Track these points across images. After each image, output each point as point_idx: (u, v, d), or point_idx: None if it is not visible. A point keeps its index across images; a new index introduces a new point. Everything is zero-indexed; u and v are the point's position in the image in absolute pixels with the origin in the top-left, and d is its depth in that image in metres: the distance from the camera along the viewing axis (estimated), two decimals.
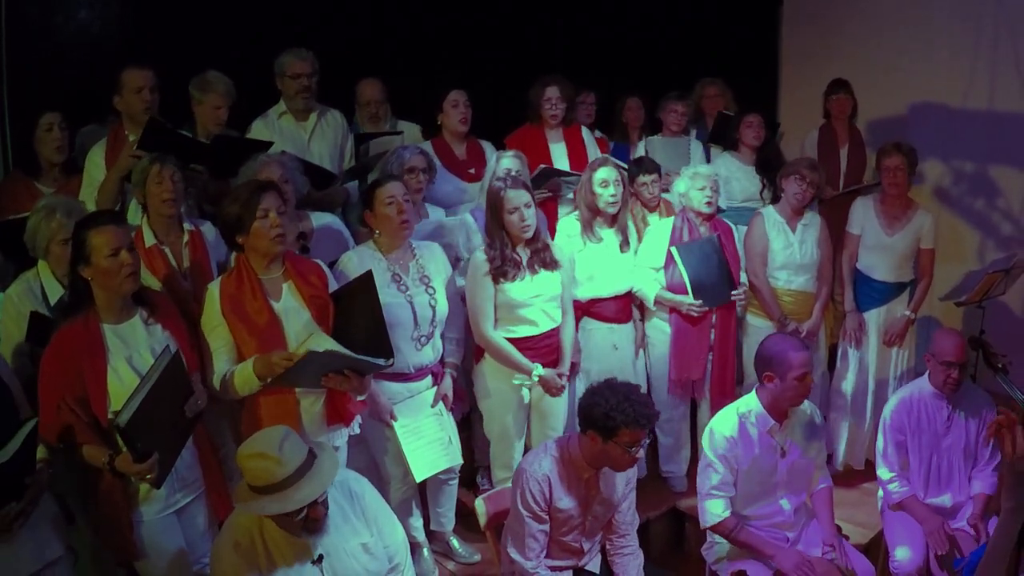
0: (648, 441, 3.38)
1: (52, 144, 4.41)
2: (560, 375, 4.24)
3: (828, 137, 5.98)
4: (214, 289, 3.50)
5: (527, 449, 4.37)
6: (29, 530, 3.06)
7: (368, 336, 3.56)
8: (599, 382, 3.41)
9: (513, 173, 4.46)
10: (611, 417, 3.22)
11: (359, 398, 3.72)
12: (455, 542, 4.57)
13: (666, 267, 4.79)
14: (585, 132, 5.54)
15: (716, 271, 4.72)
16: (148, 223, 3.83)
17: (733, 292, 4.76)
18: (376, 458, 4.17)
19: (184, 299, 3.72)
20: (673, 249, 4.70)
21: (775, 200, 5.22)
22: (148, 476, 3.06)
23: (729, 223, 5.05)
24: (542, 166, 5.02)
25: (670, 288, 4.78)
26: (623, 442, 3.23)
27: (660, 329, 4.92)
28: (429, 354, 4.10)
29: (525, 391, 4.25)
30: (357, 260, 3.97)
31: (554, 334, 4.27)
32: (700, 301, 4.70)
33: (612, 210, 4.63)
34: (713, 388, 4.87)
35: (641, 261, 4.83)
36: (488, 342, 4.18)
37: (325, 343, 3.35)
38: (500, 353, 4.18)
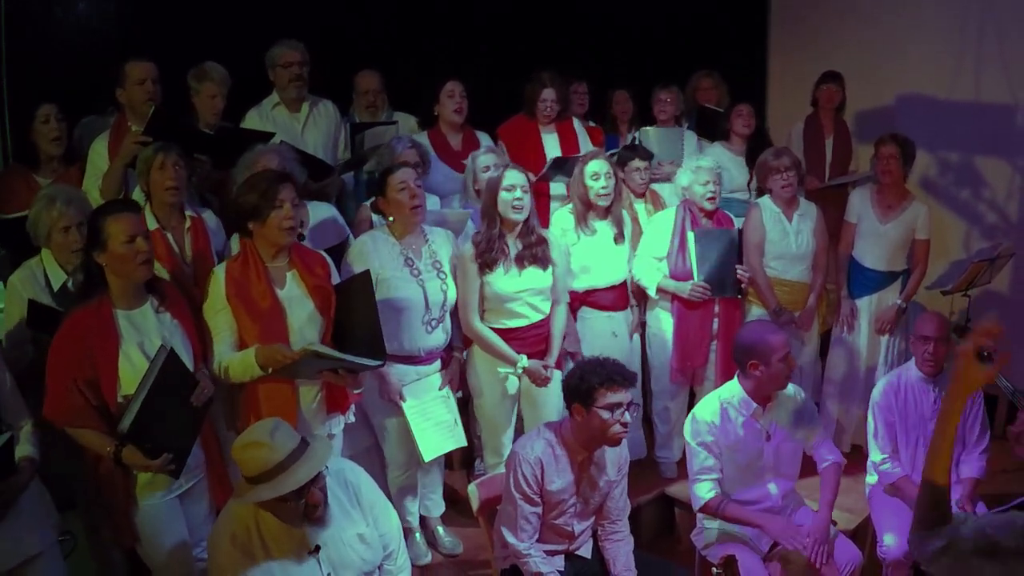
0: (636, 409, 3.42)
1: (49, 135, 4.42)
2: (546, 366, 4.26)
3: (814, 127, 6.02)
4: (220, 273, 3.55)
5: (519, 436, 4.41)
6: (6, 526, 3.09)
7: (364, 334, 3.63)
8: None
9: (492, 167, 4.51)
10: (586, 379, 3.31)
11: (355, 391, 3.81)
12: (440, 530, 4.61)
13: (669, 256, 4.82)
14: (577, 124, 5.58)
15: (728, 264, 4.77)
16: (151, 210, 3.86)
17: (738, 266, 4.79)
18: (380, 443, 4.24)
19: (186, 285, 3.77)
20: (690, 233, 4.75)
21: (761, 192, 5.27)
22: (168, 468, 3.16)
23: (730, 214, 5.09)
24: (555, 156, 5.09)
25: (673, 277, 4.81)
26: (603, 405, 3.29)
27: (661, 318, 4.96)
28: (440, 338, 4.17)
29: (512, 380, 4.28)
30: (371, 244, 4.03)
31: (543, 324, 4.30)
32: (705, 284, 4.73)
33: (603, 203, 4.66)
34: (719, 377, 4.84)
35: (643, 251, 4.87)
36: (474, 332, 4.22)
37: (323, 349, 3.41)
38: (486, 343, 4.21)
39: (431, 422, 4.17)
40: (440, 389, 4.22)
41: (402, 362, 4.07)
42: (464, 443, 4.37)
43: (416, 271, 4.06)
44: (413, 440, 4.14)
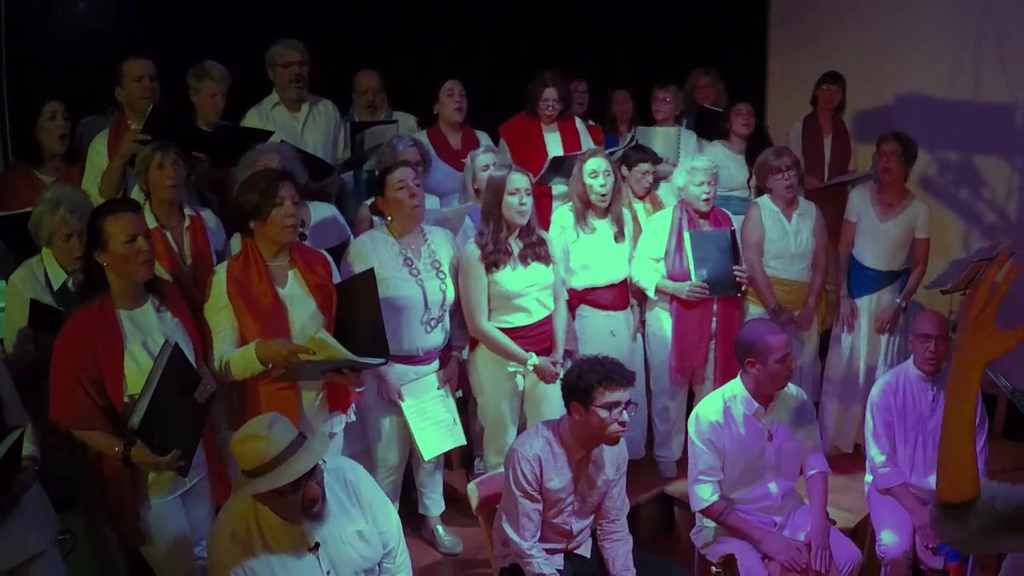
0: (634, 409, 3.43)
1: (55, 133, 4.45)
2: (554, 363, 4.27)
3: (812, 127, 6.05)
4: (221, 271, 3.56)
5: None
6: (9, 525, 3.10)
7: (367, 333, 3.63)
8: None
9: (491, 166, 4.52)
10: (584, 379, 3.32)
11: (357, 390, 3.81)
12: (440, 529, 4.61)
13: (667, 256, 4.82)
14: (579, 123, 5.59)
15: (724, 264, 4.76)
16: (150, 209, 3.87)
17: (736, 268, 4.78)
18: (371, 444, 4.23)
19: (185, 284, 3.77)
20: (687, 234, 4.74)
21: (761, 191, 5.27)
22: (178, 464, 3.16)
23: (729, 213, 5.09)
24: (553, 156, 5.08)
25: (671, 277, 4.81)
26: (601, 404, 3.29)
27: (661, 318, 4.95)
28: (439, 337, 4.17)
29: (520, 378, 4.29)
30: (370, 244, 4.04)
31: (548, 322, 4.31)
32: (704, 284, 4.73)
33: (603, 203, 4.66)
34: (718, 378, 4.85)
35: (641, 252, 4.87)
36: (482, 333, 4.22)
37: (327, 344, 3.40)
38: (495, 344, 4.21)
39: (430, 421, 4.18)
40: (438, 388, 4.22)
41: (400, 362, 4.07)
42: (463, 442, 4.38)
43: (415, 271, 4.06)
44: (412, 440, 4.16)
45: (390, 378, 4.05)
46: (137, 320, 3.30)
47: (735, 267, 4.79)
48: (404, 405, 4.10)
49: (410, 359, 4.11)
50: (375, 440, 4.22)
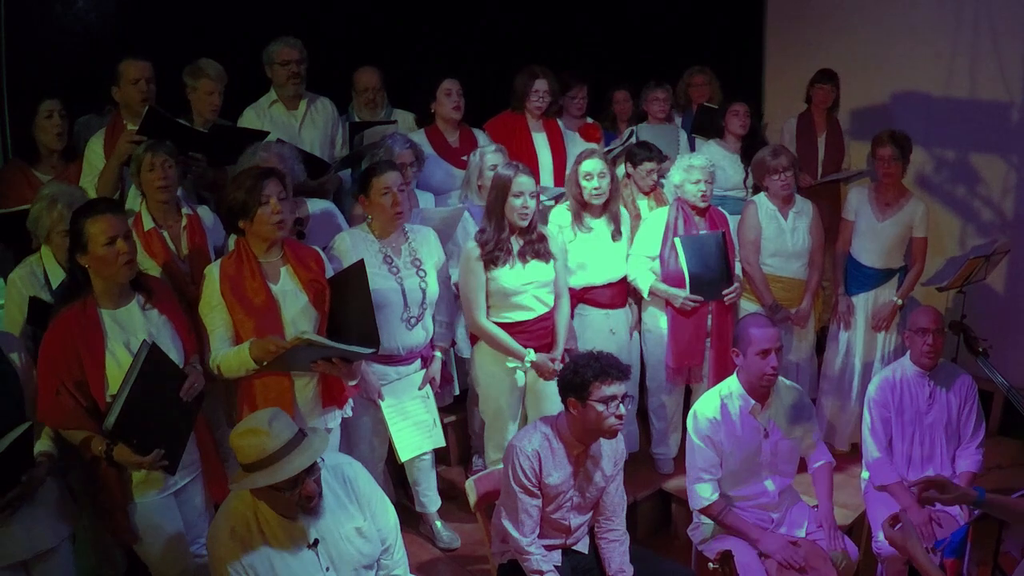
0: (631, 401, 3.43)
1: (52, 131, 4.45)
2: (552, 359, 4.27)
3: (806, 125, 6.06)
4: (213, 270, 3.56)
5: None
6: (19, 519, 3.11)
7: (358, 324, 3.64)
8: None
9: (499, 166, 4.52)
10: (579, 374, 3.33)
11: (350, 383, 3.81)
12: (438, 525, 4.62)
13: (661, 257, 4.81)
14: (560, 124, 5.61)
15: (716, 267, 4.74)
16: (147, 208, 3.88)
17: (726, 291, 4.77)
18: (349, 440, 4.20)
19: (182, 282, 3.78)
20: (677, 240, 4.73)
21: (757, 189, 5.28)
22: (161, 464, 3.15)
23: (725, 212, 5.08)
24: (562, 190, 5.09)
25: (665, 278, 4.80)
26: (598, 399, 3.31)
27: (657, 317, 4.94)
28: (420, 335, 4.17)
29: (520, 374, 4.30)
30: (350, 242, 4.03)
31: (548, 318, 4.31)
32: (696, 295, 4.72)
33: (597, 202, 4.66)
34: (713, 376, 4.84)
35: (637, 250, 4.87)
36: (480, 330, 4.23)
37: (315, 341, 3.41)
38: (493, 340, 4.23)
39: (409, 422, 4.19)
40: (420, 389, 4.23)
41: (381, 362, 4.07)
42: (442, 443, 4.39)
43: (395, 268, 4.06)
44: (389, 439, 4.16)
45: (370, 377, 4.05)
46: (120, 319, 3.31)
47: (725, 291, 4.78)
48: (383, 405, 4.11)
49: (391, 359, 4.11)
50: (353, 437, 4.21)
